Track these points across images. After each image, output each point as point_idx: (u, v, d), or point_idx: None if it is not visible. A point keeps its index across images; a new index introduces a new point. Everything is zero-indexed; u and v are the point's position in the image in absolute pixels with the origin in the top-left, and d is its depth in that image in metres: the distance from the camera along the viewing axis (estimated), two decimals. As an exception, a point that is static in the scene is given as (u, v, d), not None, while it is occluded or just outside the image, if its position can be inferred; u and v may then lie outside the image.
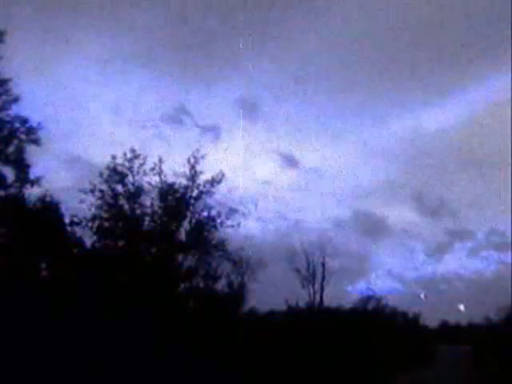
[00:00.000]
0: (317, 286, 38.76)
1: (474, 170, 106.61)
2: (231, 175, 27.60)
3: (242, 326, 27.65)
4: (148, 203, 22.98)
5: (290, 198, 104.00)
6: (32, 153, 20.38)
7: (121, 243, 22.78)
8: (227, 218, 23.57)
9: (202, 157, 23.44)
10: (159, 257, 22.80)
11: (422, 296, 69.06)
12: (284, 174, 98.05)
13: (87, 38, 74.60)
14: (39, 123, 20.35)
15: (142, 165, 22.57)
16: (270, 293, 38.24)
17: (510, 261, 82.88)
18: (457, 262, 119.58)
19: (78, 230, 22.27)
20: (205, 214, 23.58)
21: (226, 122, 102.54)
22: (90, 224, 21.89)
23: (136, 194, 22.55)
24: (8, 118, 19.85)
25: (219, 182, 23.49)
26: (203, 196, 23.39)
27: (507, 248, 79.63)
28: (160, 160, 22.98)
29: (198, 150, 23.39)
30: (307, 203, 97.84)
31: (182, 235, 23.30)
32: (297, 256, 39.27)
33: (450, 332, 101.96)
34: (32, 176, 20.38)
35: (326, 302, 40.28)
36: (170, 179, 23.27)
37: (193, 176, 23.25)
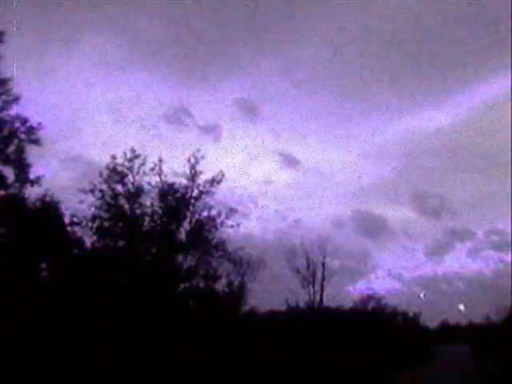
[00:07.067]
0: (317, 286, 38.73)
1: (474, 169, 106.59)
2: (231, 175, 27.61)
3: (241, 325, 27.65)
4: (148, 203, 22.99)
5: (289, 197, 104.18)
6: (32, 153, 20.35)
7: (121, 243, 22.77)
8: (227, 218, 23.56)
9: (202, 157, 23.46)
10: (159, 257, 22.79)
11: (422, 295, 69.12)
12: (284, 173, 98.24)
13: (88, 39, 74.69)
14: (39, 123, 20.33)
15: (142, 165, 22.58)
16: (270, 293, 38.27)
17: (509, 260, 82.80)
18: (457, 262, 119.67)
19: (78, 230, 22.29)
20: (205, 213, 23.58)
21: (226, 122, 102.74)
22: (90, 224, 21.88)
23: (136, 194, 22.55)
24: (8, 118, 19.81)
25: (219, 182, 23.49)
26: (203, 196, 23.39)
27: (507, 248, 79.64)
28: (160, 160, 22.99)
29: (198, 150, 23.42)
30: (307, 203, 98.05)
31: (182, 235, 23.29)
32: (297, 256, 39.22)
33: (450, 332, 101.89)
34: (32, 176, 20.35)
35: (326, 302, 40.31)
36: (170, 179, 23.28)
37: (193, 176, 23.24)
